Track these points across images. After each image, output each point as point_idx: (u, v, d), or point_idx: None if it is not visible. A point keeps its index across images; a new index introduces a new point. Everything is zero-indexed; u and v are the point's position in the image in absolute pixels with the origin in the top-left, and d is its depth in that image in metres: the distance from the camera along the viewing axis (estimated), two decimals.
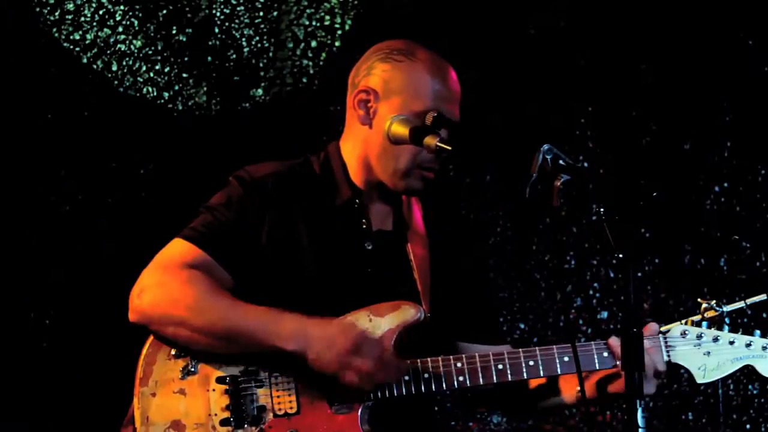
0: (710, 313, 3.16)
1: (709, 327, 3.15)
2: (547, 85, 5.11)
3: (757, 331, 3.15)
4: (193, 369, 3.09)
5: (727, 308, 3.16)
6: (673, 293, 5.09)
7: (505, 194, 5.12)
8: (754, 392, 4.98)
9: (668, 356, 3.12)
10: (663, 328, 3.16)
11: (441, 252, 3.31)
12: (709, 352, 3.13)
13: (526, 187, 2.75)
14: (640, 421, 2.63)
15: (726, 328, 3.15)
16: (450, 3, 5.08)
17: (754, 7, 5.05)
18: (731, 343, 3.14)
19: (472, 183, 5.14)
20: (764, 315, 4.87)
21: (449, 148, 3.06)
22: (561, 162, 2.76)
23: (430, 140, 3.08)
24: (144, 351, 3.11)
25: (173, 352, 3.09)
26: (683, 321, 3.17)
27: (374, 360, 3.00)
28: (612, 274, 5.10)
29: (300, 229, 3.19)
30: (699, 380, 3.15)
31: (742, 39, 5.08)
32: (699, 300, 3.19)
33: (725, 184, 5.12)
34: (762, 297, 3.19)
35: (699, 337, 3.14)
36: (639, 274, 5.03)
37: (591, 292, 5.12)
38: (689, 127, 5.14)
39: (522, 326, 5.13)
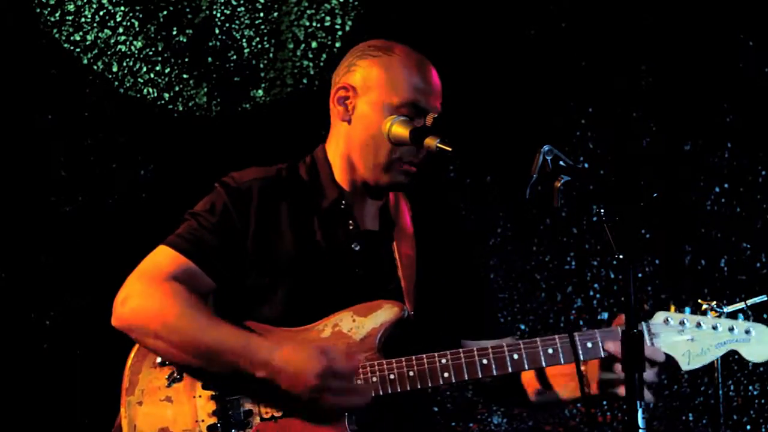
0: (711, 314, 3.15)
1: (692, 313, 3.12)
2: (547, 85, 5.11)
3: (740, 315, 3.12)
4: (178, 376, 3.08)
5: (727, 309, 3.14)
6: (673, 293, 5.09)
7: (505, 195, 5.12)
8: (755, 393, 4.98)
9: (651, 344, 3.08)
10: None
11: (428, 250, 3.30)
12: (692, 338, 3.10)
13: (527, 187, 2.76)
14: (640, 421, 2.62)
15: (708, 313, 3.12)
16: (450, 3, 5.08)
17: (753, 7, 5.05)
18: (714, 328, 3.10)
19: (472, 183, 5.14)
20: (765, 316, 4.86)
21: (450, 149, 3.05)
22: (561, 163, 2.76)
23: (430, 141, 3.07)
24: (129, 361, 3.11)
25: (158, 360, 3.09)
26: (666, 309, 3.15)
27: (342, 389, 3.00)
28: (612, 275, 5.10)
29: (286, 234, 3.18)
30: (684, 367, 3.10)
31: (742, 40, 5.08)
32: (699, 301, 3.18)
33: (725, 185, 5.12)
34: (762, 298, 3.18)
35: (682, 323, 3.11)
36: (639, 275, 5.03)
37: (591, 293, 5.12)
38: (689, 128, 5.14)
39: (522, 327, 5.13)
